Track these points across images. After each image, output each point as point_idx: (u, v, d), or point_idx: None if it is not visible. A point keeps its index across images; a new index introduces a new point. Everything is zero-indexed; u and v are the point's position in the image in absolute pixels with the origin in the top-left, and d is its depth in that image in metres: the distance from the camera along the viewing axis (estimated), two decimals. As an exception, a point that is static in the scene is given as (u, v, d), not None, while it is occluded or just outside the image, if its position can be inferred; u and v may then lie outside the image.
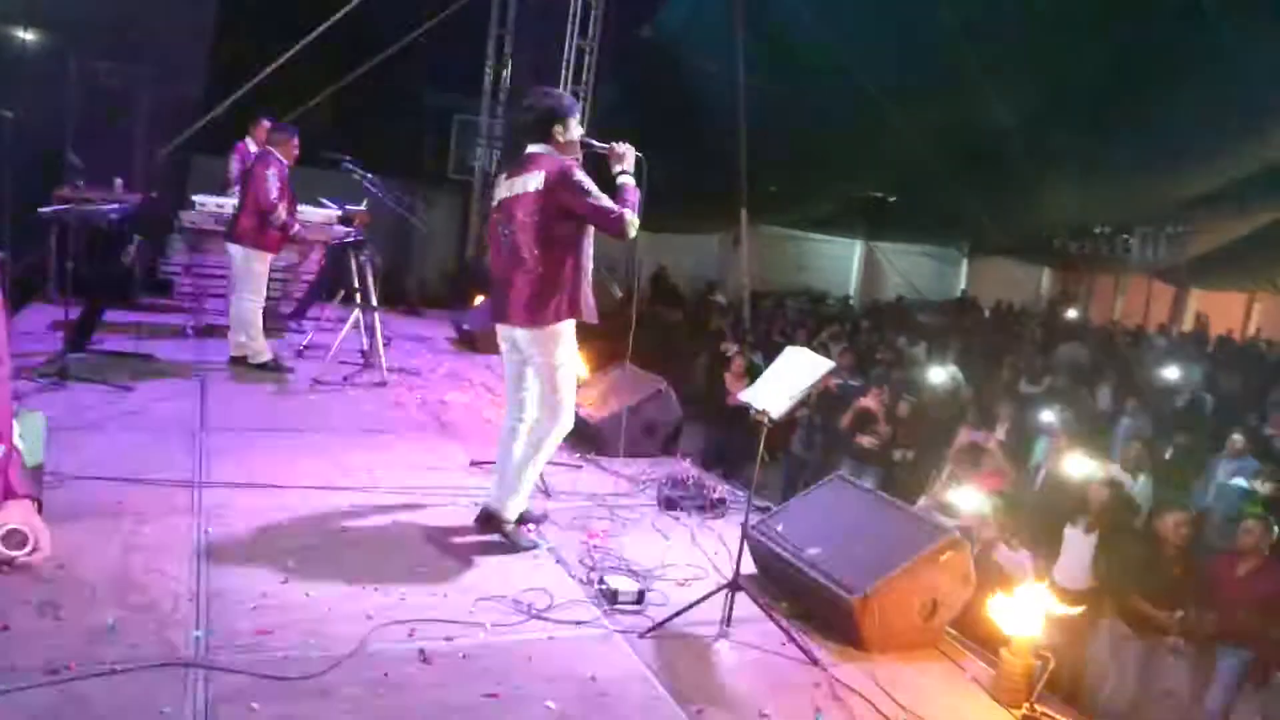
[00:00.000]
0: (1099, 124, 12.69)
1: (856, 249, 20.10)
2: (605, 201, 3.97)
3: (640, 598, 3.82)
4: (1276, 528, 6.02)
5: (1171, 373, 12.09)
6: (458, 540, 4.27)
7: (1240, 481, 8.21)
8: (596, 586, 3.90)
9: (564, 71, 11.18)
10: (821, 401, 8.69)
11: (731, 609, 3.72)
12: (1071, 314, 19.29)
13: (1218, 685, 5.80)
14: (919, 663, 3.67)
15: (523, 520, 4.38)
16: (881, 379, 10.08)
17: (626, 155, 4.12)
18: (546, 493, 4.95)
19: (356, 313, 7.32)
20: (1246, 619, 5.65)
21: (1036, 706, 3.36)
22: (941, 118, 13.19)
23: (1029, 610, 3.48)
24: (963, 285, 20.84)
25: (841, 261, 20.10)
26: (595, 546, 4.37)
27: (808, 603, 3.87)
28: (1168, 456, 8.97)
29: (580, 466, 5.58)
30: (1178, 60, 11.13)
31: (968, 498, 6.25)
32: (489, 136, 12.42)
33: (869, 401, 8.24)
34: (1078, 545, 6.32)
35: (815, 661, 3.53)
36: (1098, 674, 6.30)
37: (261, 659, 3.06)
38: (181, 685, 2.85)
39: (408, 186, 11.86)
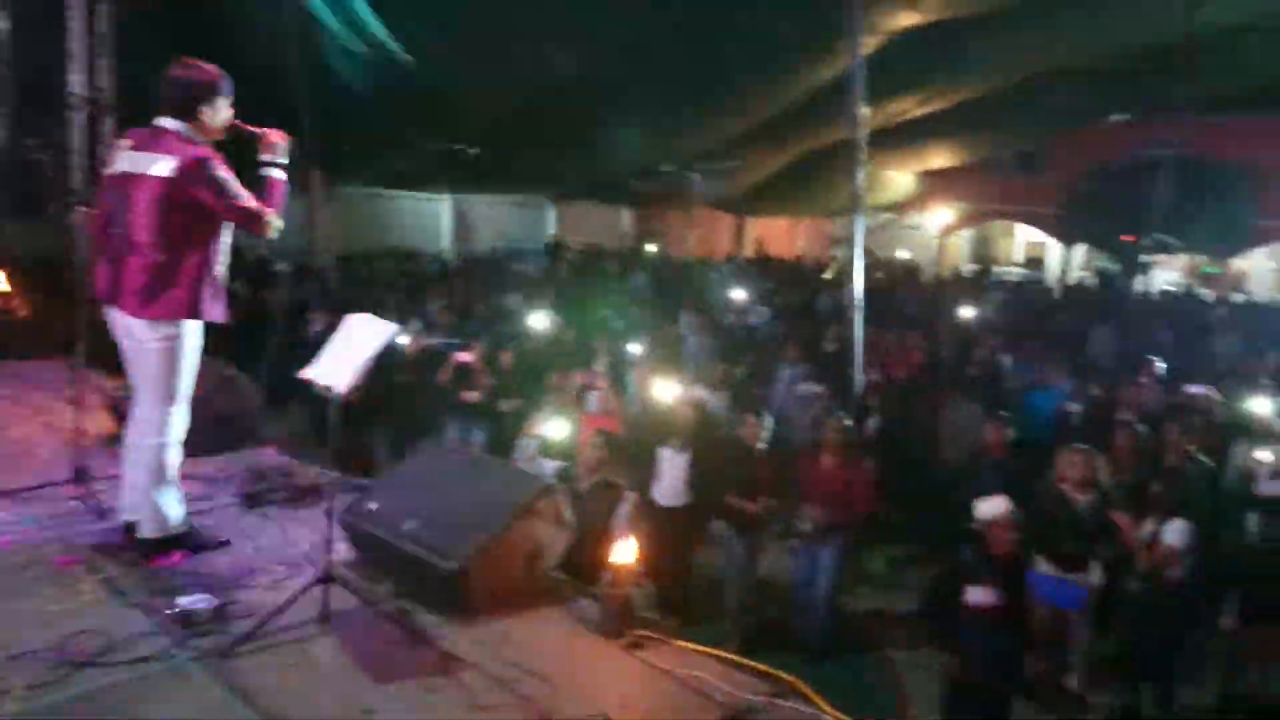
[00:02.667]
0: (653, 72, 13.51)
1: (446, 204, 19.90)
2: (245, 200, 3.60)
3: (219, 614, 3.39)
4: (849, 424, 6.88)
5: (738, 295, 13.40)
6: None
7: (809, 387, 9.27)
8: (166, 612, 3.40)
9: (73, 22, 9.55)
10: (421, 363, 8.48)
11: (327, 603, 3.44)
12: (651, 247, 20.73)
13: (820, 574, 6.54)
14: (528, 614, 3.65)
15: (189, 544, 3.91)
16: (480, 332, 10.07)
17: (279, 144, 3.77)
18: (99, 513, 4.25)
19: None
20: (834, 506, 6.40)
21: (639, 631, 3.48)
22: (511, 69, 13.28)
23: (623, 542, 3.58)
24: (551, 231, 21.51)
25: (431, 219, 19.80)
26: (165, 563, 3.82)
27: (412, 579, 3.69)
28: (740, 372, 9.91)
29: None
30: (715, 9, 12.10)
31: (559, 428, 6.38)
32: (-9, 102, 10.38)
33: (466, 356, 8.15)
34: (673, 464, 6.76)
35: (422, 639, 3.37)
36: (708, 583, 6.84)
37: None
38: None
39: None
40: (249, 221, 3.62)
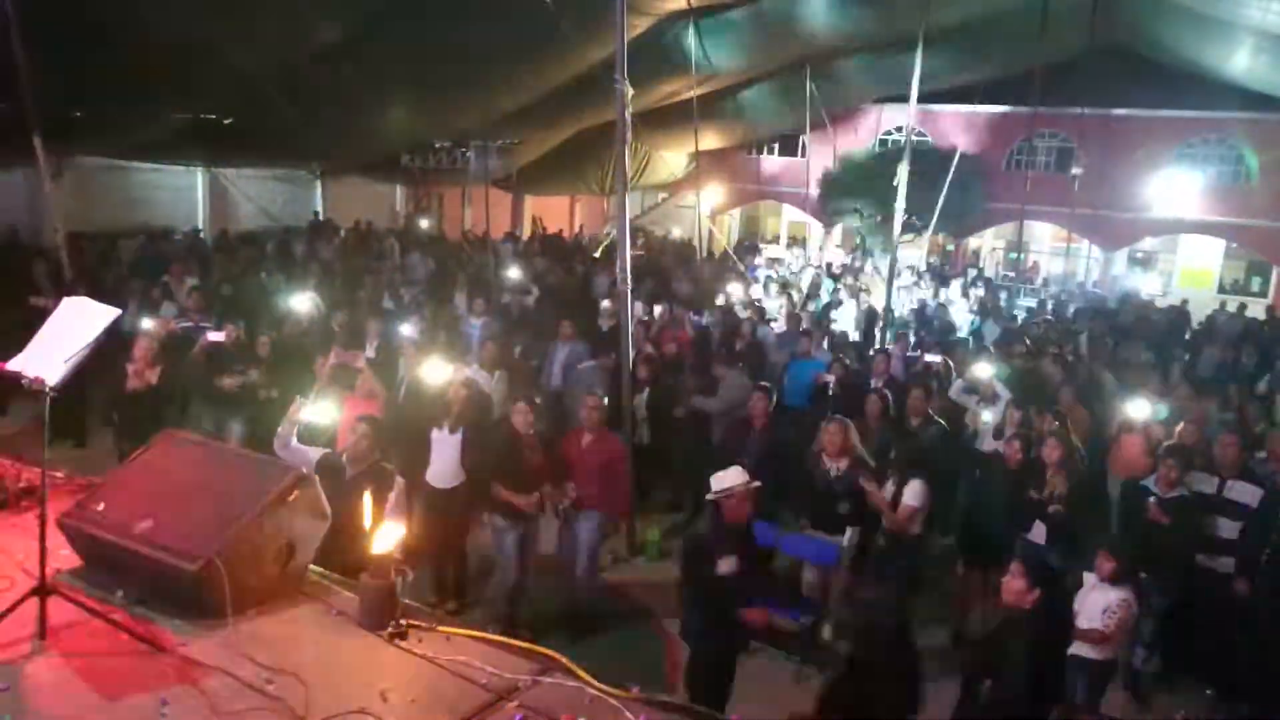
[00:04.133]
0: (422, 46, 13.08)
1: (199, 177, 18.44)
2: None
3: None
4: (607, 400, 6.95)
5: (514, 274, 13.32)
6: None
7: (590, 364, 9.36)
8: None
9: None
10: (170, 348, 7.85)
11: (45, 617, 3.11)
12: (425, 225, 20.17)
13: (582, 548, 6.58)
14: (282, 612, 3.46)
15: None
16: (238, 314, 9.47)
17: None
18: None
19: None
20: (592, 483, 6.44)
21: (402, 621, 3.38)
22: (266, 33, 12.46)
23: (382, 530, 3.46)
24: (318, 208, 20.43)
25: (184, 193, 18.27)
26: None
27: (149, 584, 3.40)
28: (518, 351, 9.87)
29: None
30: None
31: (325, 411, 6.04)
32: None
33: (219, 337, 7.62)
34: (444, 446, 6.61)
35: (160, 647, 3.12)
36: (484, 565, 6.75)
37: None
38: None
39: None
40: None
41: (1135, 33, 20.38)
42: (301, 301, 9.67)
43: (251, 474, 3.60)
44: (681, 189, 26.04)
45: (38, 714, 2.77)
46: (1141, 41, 20.84)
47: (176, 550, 3.30)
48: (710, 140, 22.69)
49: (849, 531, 6.45)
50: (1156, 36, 19.88)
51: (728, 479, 4.83)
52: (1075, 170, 21.84)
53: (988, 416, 7.46)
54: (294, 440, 5.45)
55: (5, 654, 3.01)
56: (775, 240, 31.06)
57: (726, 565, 4.70)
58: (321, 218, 19.77)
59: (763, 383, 8.03)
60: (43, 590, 3.11)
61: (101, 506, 3.54)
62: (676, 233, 27.55)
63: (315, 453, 5.43)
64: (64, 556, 3.56)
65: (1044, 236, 27.21)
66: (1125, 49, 21.22)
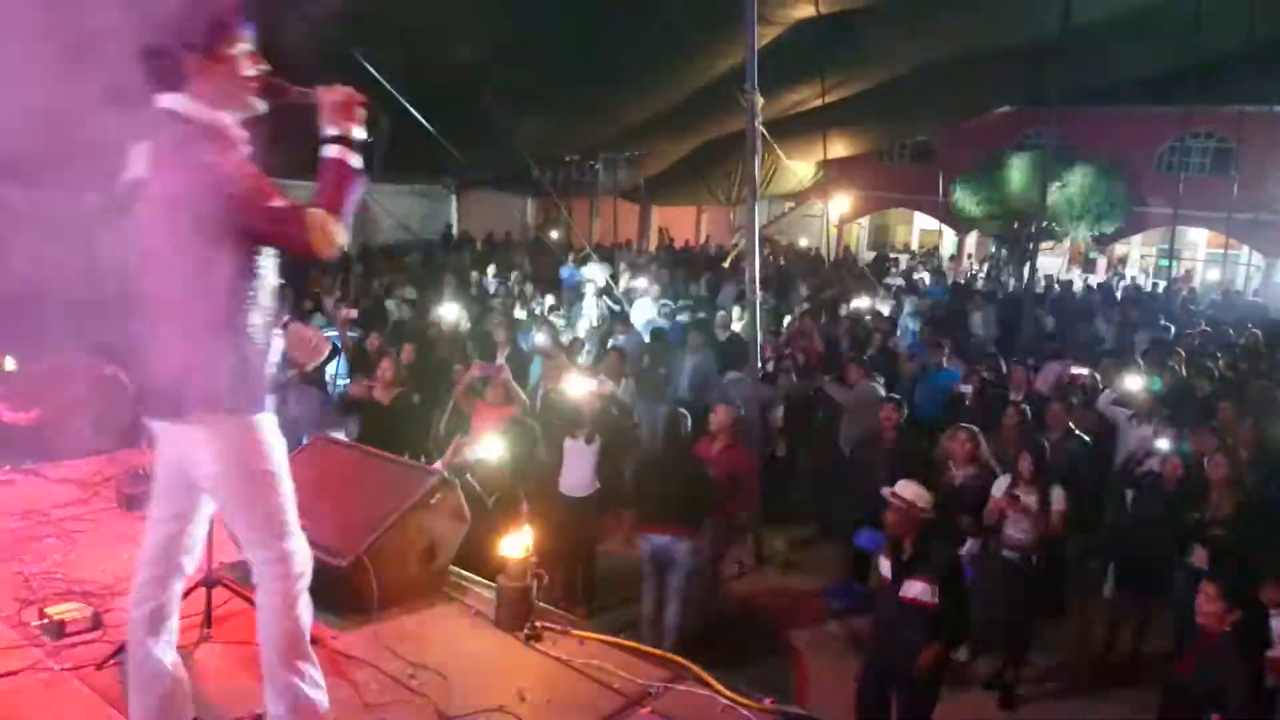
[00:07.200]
0: (554, 60, 13.39)
1: (342, 194, 19.35)
2: (280, 201, 2.30)
3: (96, 623, 3.25)
4: (740, 409, 6.91)
5: (639, 284, 13.43)
6: None
7: (736, 375, 9.26)
8: (37, 622, 3.24)
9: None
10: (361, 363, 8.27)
11: (210, 606, 3.33)
12: (554, 236, 20.59)
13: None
14: (424, 610, 3.60)
15: None
16: (380, 324, 9.88)
17: (345, 107, 2.43)
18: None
19: None
20: (720, 490, 6.40)
21: (537, 623, 3.46)
22: (408, 55, 13.01)
23: (519, 534, 3.55)
24: (454, 221, 21.14)
25: (328, 208, 19.24)
26: (35, 572, 3.64)
27: (302, 578, 3.59)
28: (646, 362, 9.91)
29: (12, 481, 4.64)
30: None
31: (491, 447, 6.04)
32: None
33: (352, 314, 8.00)
34: (579, 455, 6.71)
35: (314, 639, 3.27)
36: (614, 573, 6.79)
37: None
38: None
39: None
40: (291, 232, 2.33)
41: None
42: (449, 311, 9.93)
43: (396, 478, 3.77)
44: (809, 198, 25.76)
45: (204, 697, 2.95)
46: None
47: (328, 548, 3.46)
48: (839, 148, 22.34)
49: (969, 543, 6.22)
50: (1327, 26, 18.48)
51: (901, 490, 4.59)
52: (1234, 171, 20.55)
53: (1164, 444, 6.75)
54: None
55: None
56: (905, 249, 30.35)
57: (885, 567, 4.61)
58: (455, 230, 20.42)
59: (894, 394, 7.84)
60: (209, 582, 3.32)
61: (261, 504, 3.75)
62: (804, 242, 27.27)
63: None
64: (227, 550, 3.79)
65: (1198, 243, 25.68)
66: (1291, 41, 19.82)
